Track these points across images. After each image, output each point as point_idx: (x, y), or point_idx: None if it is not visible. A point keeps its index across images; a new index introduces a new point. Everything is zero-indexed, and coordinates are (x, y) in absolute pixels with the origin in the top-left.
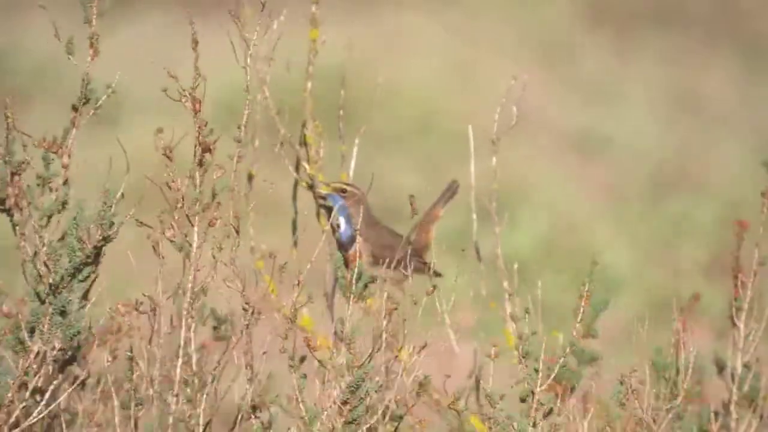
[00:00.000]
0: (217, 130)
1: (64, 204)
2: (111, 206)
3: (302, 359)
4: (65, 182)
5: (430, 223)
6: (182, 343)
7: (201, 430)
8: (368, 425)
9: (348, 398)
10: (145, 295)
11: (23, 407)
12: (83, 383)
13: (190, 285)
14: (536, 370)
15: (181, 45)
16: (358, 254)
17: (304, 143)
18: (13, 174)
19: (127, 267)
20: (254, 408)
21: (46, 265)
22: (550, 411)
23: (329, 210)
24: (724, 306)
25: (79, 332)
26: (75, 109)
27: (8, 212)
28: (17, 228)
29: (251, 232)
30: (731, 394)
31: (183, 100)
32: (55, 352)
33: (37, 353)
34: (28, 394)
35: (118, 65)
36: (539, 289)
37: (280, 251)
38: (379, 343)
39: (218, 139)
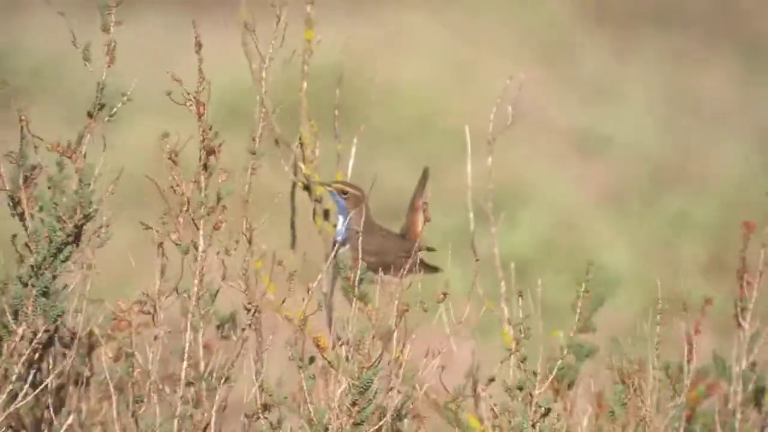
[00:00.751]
0: (219, 130)
1: (75, 209)
2: (89, 184)
3: (311, 360)
4: (88, 185)
5: (415, 217)
6: (187, 344)
7: (205, 430)
8: (377, 426)
9: (357, 399)
10: (145, 294)
11: (10, 391)
12: (87, 381)
13: (195, 288)
14: (535, 374)
15: (182, 45)
16: (353, 257)
17: (300, 143)
18: (26, 177)
19: (126, 266)
20: (265, 407)
21: (28, 247)
22: (548, 411)
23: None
24: (723, 305)
25: (63, 312)
26: (90, 115)
27: (21, 216)
28: (26, 222)
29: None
30: (735, 395)
31: (188, 104)
32: (40, 335)
33: (22, 336)
34: (14, 378)
35: (119, 65)
36: (539, 288)
37: (278, 251)
38: (388, 344)
39: (222, 143)
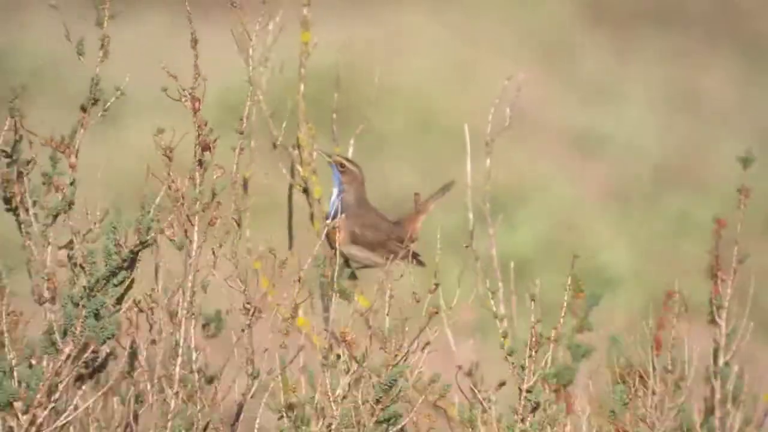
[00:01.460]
0: (218, 131)
1: (70, 204)
2: (149, 211)
3: (338, 356)
4: (72, 183)
5: (419, 215)
6: (181, 341)
7: (202, 427)
8: (400, 426)
9: (381, 397)
10: (147, 294)
11: (52, 408)
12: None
13: (189, 284)
14: (523, 368)
15: (181, 45)
16: (338, 230)
17: (297, 145)
18: (19, 173)
19: None
20: (290, 407)
21: (83, 268)
22: (537, 406)
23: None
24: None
25: (113, 335)
26: (84, 109)
27: (14, 211)
28: (23, 227)
29: (247, 234)
30: (714, 392)
31: (183, 99)
32: (87, 355)
33: (68, 356)
34: (57, 396)
35: (119, 64)
36: (537, 288)
37: (276, 253)
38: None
39: (218, 138)
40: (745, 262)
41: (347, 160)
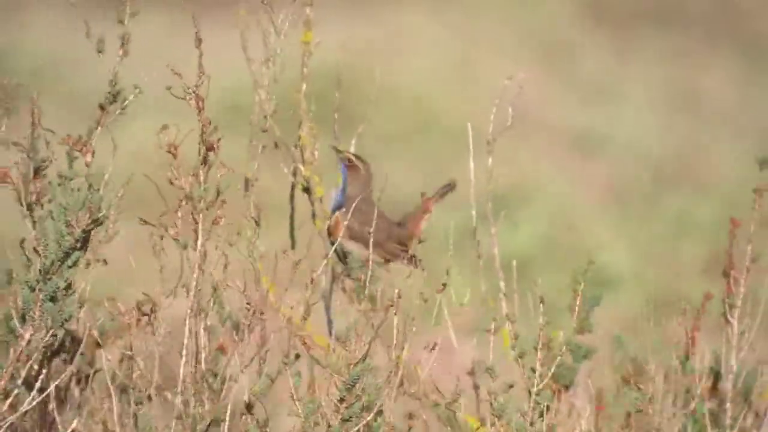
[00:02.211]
0: (222, 131)
1: (84, 202)
2: (98, 189)
3: (297, 356)
4: (89, 183)
5: (421, 215)
6: (185, 341)
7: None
8: (365, 422)
9: (344, 396)
10: (145, 295)
11: (16, 395)
12: (87, 378)
13: (194, 283)
14: (533, 370)
15: (182, 45)
16: (336, 224)
17: (299, 144)
18: (36, 170)
19: (127, 267)
20: (248, 407)
21: (36, 251)
22: (547, 409)
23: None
24: (722, 305)
25: (70, 317)
26: (102, 108)
27: (29, 208)
28: (37, 225)
29: (249, 234)
30: (726, 392)
31: (187, 98)
32: (46, 338)
33: (29, 341)
34: (20, 382)
35: (123, 64)
36: (537, 288)
37: (278, 253)
38: (374, 341)
39: (222, 138)
40: (756, 262)
41: (356, 156)
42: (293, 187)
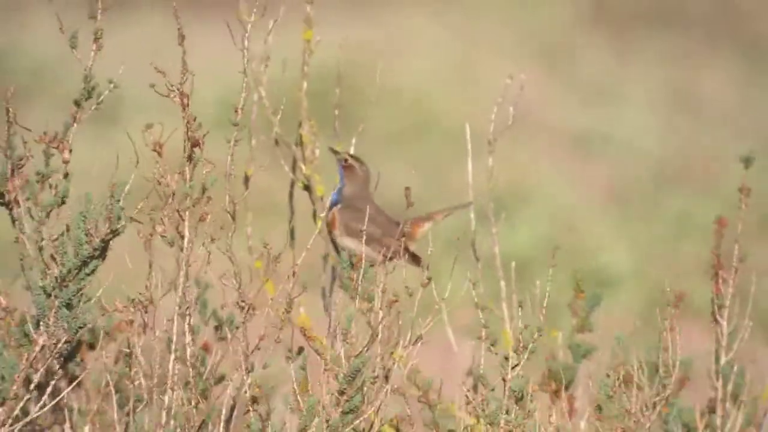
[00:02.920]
0: (218, 130)
1: (63, 199)
2: (119, 200)
3: (300, 350)
4: (66, 176)
5: (425, 221)
6: (174, 337)
7: (197, 425)
8: (365, 416)
9: (345, 388)
10: (140, 294)
11: (27, 399)
12: (80, 381)
13: (182, 280)
14: (506, 359)
15: (186, 45)
16: (332, 221)
17: (300, 143)
18: (13, 168)
19: (123, 267)
20: (253, 400)
21: (53, 258)
22: (522, 397)
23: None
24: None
25: (85, 324)
26: (77, 104)
27: (8, 206)
28: (16, 222)
29: (248, 232)
30: (716, 392)
31: (171, 95)
32: (60, 345)
33: (42, 346)
34: (32, 387)
35: (118, 64)
36: (537, 288)
37: (277, 251)
38: (376, 334)
39: (207, 134)
40: (744, 262)
41: (352, 156)
42: (293, 185)
